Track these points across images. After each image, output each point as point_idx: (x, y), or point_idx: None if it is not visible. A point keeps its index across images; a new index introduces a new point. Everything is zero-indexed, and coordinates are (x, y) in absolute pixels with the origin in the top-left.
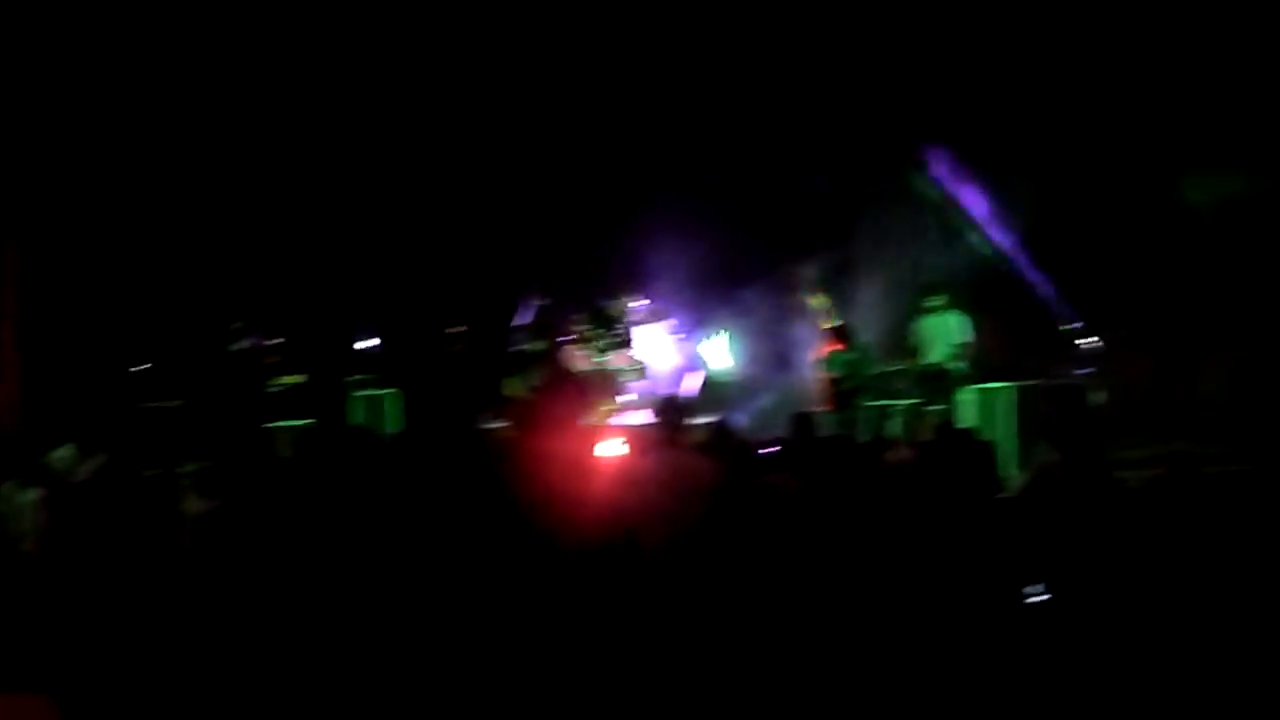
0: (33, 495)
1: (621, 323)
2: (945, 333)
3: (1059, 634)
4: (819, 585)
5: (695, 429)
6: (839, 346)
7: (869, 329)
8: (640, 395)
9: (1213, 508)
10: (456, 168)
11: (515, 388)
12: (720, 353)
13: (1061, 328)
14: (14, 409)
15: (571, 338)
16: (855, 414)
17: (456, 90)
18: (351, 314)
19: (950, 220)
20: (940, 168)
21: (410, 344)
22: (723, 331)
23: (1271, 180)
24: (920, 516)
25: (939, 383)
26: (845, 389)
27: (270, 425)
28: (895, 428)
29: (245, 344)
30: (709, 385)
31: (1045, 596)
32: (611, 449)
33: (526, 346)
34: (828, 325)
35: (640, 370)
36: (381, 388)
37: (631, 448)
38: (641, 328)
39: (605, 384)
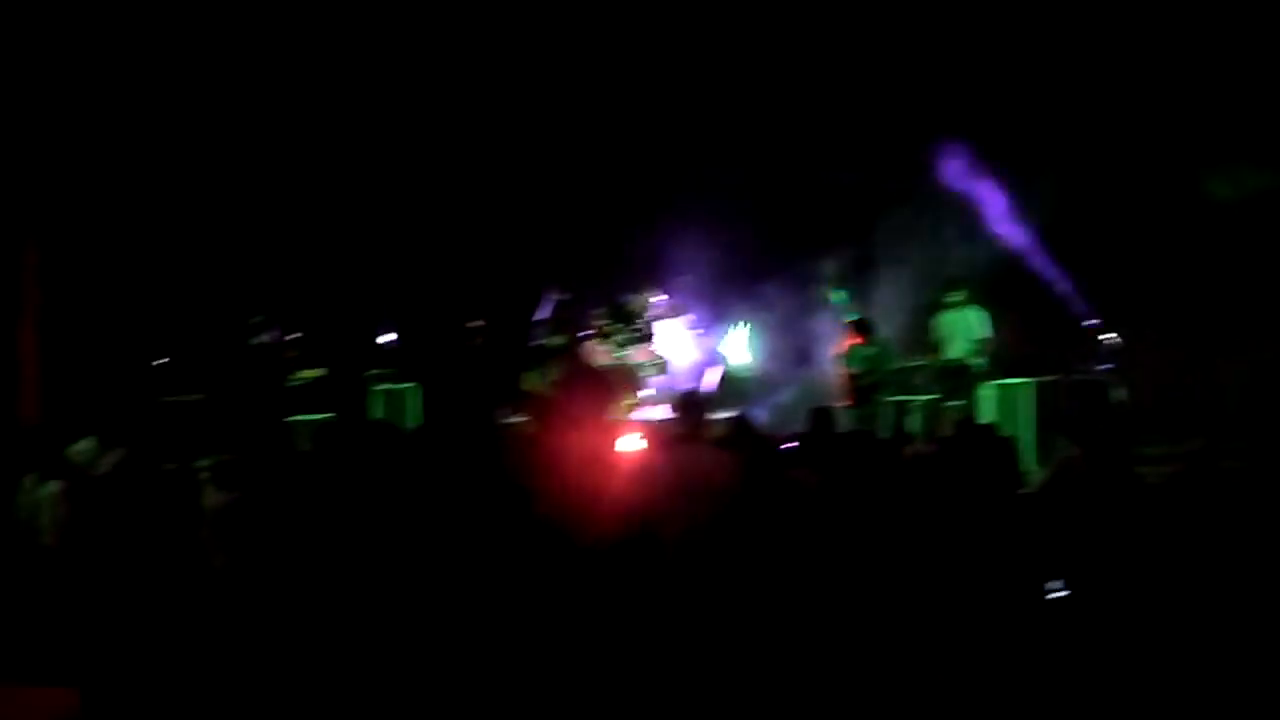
0: (53, 488)
1: (642, 318)
2: (965, 328)
3: (1078, 630)
4: (840, 581)
5: (715, 424)
6: (859, 341)
7: (889, 324)
8: (660, 390)
9: (1232, 505)
10: (476, 163)
11: (534, 382)
12: (740, 347)
13: (1082, 323)
14: (35, 402)
15: (591, 332)
16: (875, 409)
17: (478, 85)
18: (371, 308)
19: (971, 216)
20: (961, 163)
21: (430, 338)
22: (743, 326)
23: None
24: (940, 513)
25: (959, 378)
26: (865, 384)
27: (290, 419)
28: (915, 423)
29: (265, 338)
30: (729, 380)
31: (1064, 593)
32: (631, 444)
33: (546, 341)
34: (848, 320)
35: (660, 365)
36: (401, 382)
37: (651, 443)
38: (661, 323)
39: (625, 379)
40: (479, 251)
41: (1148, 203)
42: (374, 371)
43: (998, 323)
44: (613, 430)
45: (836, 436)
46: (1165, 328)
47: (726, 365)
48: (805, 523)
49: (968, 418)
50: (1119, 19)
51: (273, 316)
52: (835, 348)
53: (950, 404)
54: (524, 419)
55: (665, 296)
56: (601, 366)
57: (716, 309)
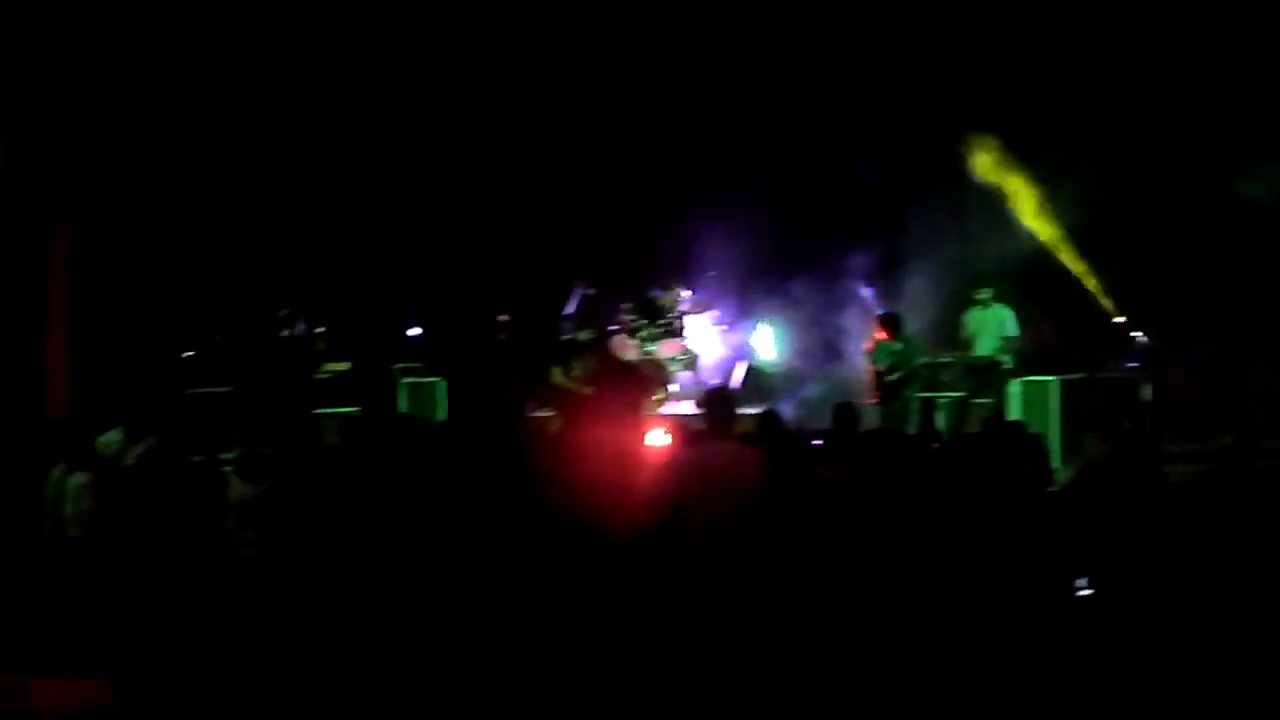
0: (81, 479)
1: (670, 312)
2: (994, 325)
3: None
4: (867, 578)
5: (742, 420)
6: (887, 337)
7: (917, 320)
8: (687, 386)
9: (1261, 504)
10: (504, 158)
11: (562, 377)
12: (767, 343)
13: (1111, 321)
14: (63, 394)
15: (618, 328)
16: (903, 405)
17: (507, 80)
18: (398, 302)
19: (1000, 212)
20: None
21: (456, 332)
22: (770, 322)
23: None
24: (968, 510)
25: (987, 375)
26: (893, 380)
27: (317, 412)
28: (943, 420)
29: (293, 331)
30: (755, 376)
31: (1089, 591)
32: (658, 439)
33: (573, 336)
34: (876, 316)
35: (688, 361)
36: (428, 376)
37: (677, 439)
38: (689, 318)
39: (653, 374)
40: (506, 245)
41: (1178, 201)
42: (401, 365)
43: (1026, 320)
44: (641, 425)
45: (864, 434)
46: (1194, 326)
47: (753, 361)
48: (833, 520)
49: (996, 415)
50: (1154, 15)
51: (300, 309)
52: (863, 343)
53: (978, 401)
54: (551, 413)
55: (689, 292)
56: (630, 362)
57: (744, 305)
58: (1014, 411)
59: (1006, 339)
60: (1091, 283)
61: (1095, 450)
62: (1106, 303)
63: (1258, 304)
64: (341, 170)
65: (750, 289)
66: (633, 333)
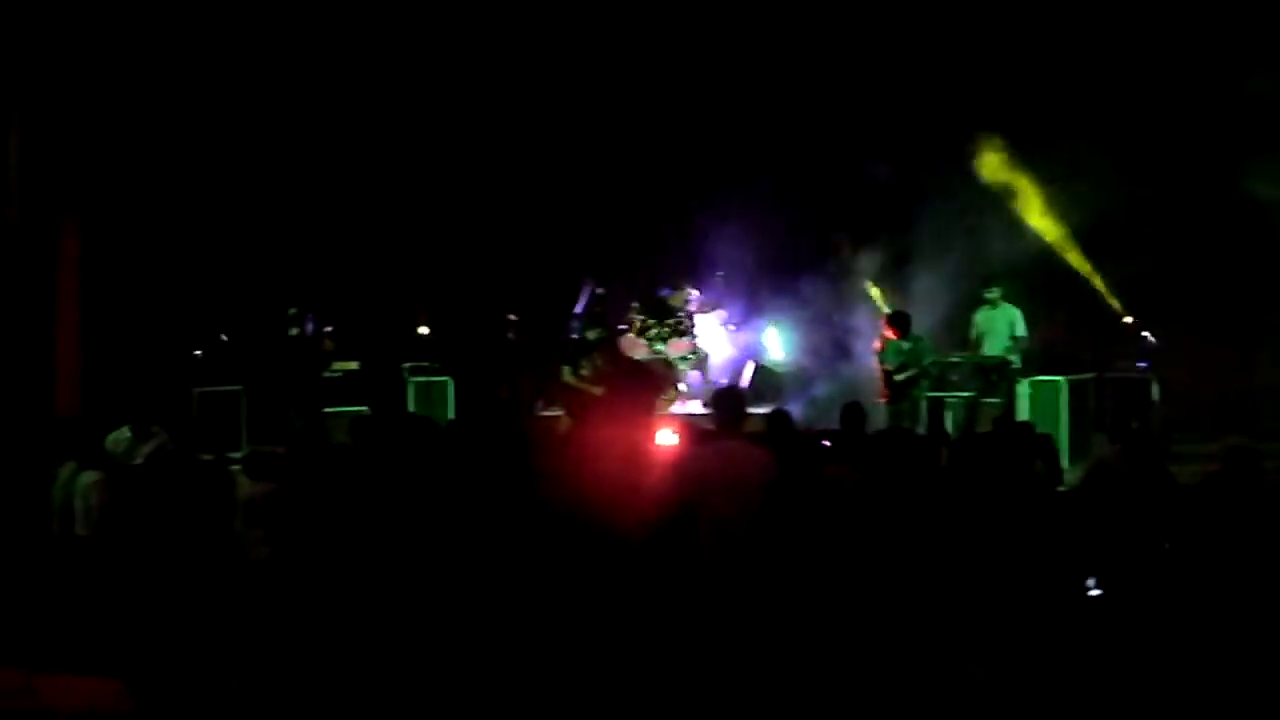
0: (91, 478)
1: (680, 311)
2: (1003, 325)
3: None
4: (877, 578)
5: (751, 419)
6: (895, 336)
7: (926, 319)
8: (695, 385)
9: (1270, 503)
10: (513, 157)
11: (571, 376)
12: (776, 343)
13: (1120, 321)
14: (73, 392)
15: (627, 327)
16: (911, 405)
17: (516, 80)
18: (407, 300)
19: (1009, 211)
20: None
21: (465, 331)
22: (779, 321)
23: None
24: (979, 510)
25: (996, 375)
26: (902, 380)
27: (326, 411)
28: (952, 420)
29: (301, 329)
30: (764, 375)
31: (1098, 591)
32: (666, 438)
33: (582, 334)
34: (885, 315)
35: (697, 359)
36: (437, 375)
37: (686, 438)
38: (698, 317)
39: (663, 373)
40: (515, 245)
41: (1188, 200)
42: (410, 364)
43: (1036, 320)
44: (650, 425)
45: (873, 434)
46: (1203, 326)
47: (762, 360)
48: (842, 519)
49: (1005, 414)
50: (1164, 15)
51: (309, 308)
52: (872, 343)
53: (987, 400)
54: (559, 412)
55: (701, 291)
56: (639, 361)
57: (752, 304)
58: (1023, 411)
59: (1016, 338)
60: (1100, 282)
61: (1104, 450)
62: (1115, 303)
63: (1267, 304)
64: (350, 170)
65: (760, 288)
66: (642, 332)
